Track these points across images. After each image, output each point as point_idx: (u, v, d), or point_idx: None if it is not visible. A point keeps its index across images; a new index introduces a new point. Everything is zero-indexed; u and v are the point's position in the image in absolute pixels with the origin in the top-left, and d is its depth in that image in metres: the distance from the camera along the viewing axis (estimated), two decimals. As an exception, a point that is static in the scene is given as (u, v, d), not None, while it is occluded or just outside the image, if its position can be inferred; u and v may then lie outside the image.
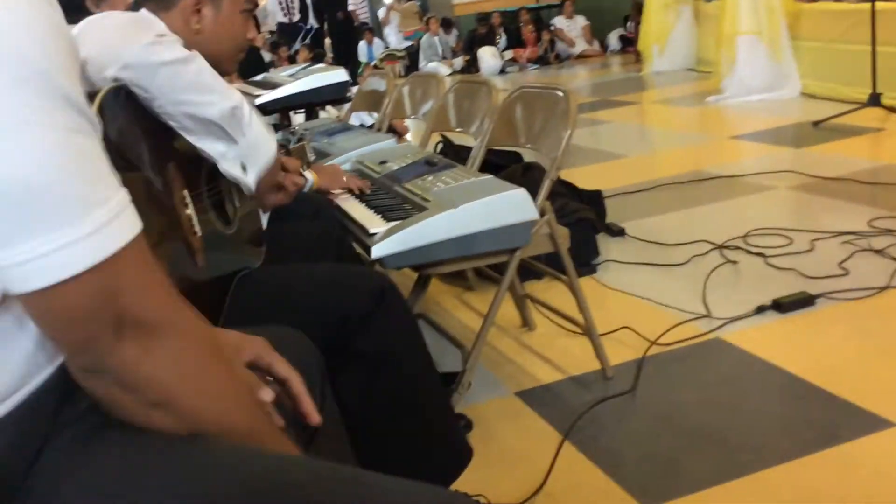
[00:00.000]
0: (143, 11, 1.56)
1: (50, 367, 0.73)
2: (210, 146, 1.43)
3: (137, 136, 1.30)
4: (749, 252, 2.95)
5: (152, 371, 0.71)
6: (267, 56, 10.51)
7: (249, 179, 1.49)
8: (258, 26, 11.50)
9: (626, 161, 4.94)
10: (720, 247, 3.03)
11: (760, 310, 2.45)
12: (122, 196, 0.70)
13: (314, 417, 0.93)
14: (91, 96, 1.18)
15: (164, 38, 1.37)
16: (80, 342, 0.69)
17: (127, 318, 0.69)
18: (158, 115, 1.36)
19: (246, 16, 1.66)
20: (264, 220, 1.73)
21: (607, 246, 3.20)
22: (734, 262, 2.88)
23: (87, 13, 1.65)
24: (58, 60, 0.67)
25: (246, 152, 1.46)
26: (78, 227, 0.65)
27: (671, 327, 2.41)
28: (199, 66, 1.39)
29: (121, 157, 1.22)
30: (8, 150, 0.62)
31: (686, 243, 3.11)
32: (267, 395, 0.89)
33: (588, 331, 2.16)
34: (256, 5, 1.66)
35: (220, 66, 1.52)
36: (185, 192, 1.37)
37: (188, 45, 1.42)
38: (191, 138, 1.41)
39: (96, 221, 0.66)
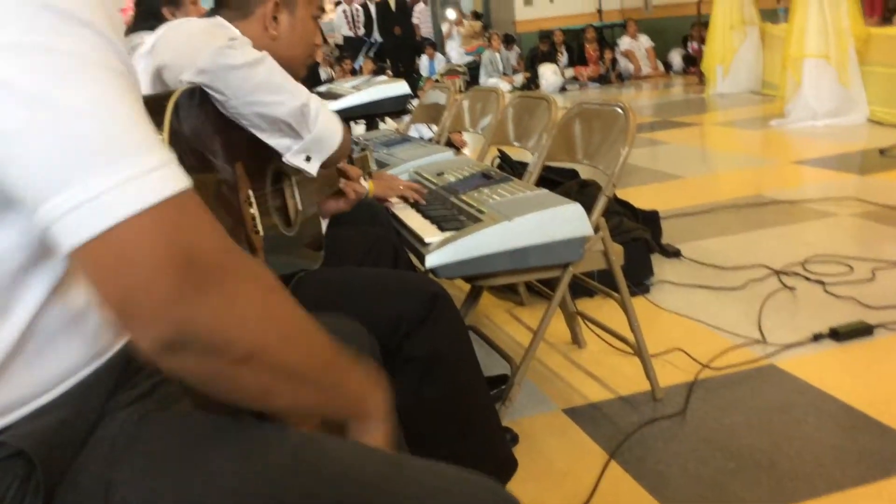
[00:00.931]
0: (218, 18, 1.61)
1: (109, 352, 0.76)
2: (277, 141, 1.48)
3: (208, 135, 1.35)
4: (808, 279, 2.89)
5: (239, 319, 0.66)
6: (324, 74, 10.62)
7: (312, 168, 1.53)
8: (324, 39, 11.63)
9: (684, 182, 4.89)
10: (778, 272, 2.98)
11: (817, 338, 2.40)
12: (162, 154, 0.64)
13: None
14: (166, 96, 1.23)
15: (235, 41, 1.42)
16: (154, 302, 0.61)
17: (199, 261, 0.62)
18: (231, 115, 1.41)
19: (316, 21, 1.70)
20: (324, 224, 1.77)
21: (662, 267, 3.18)
22: (791, 289, 2.83)
23: (164, 20, 1.72)
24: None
25: (311, 145, 1.51)
26: (138, 163, 0.61)
27: (724, 351, 2.38)
28: (270, 67, 1.43)
29: (192, 154, 1.27)
30: (59, 90, 0.60)
31: (743, 267, 3.07)
32: None
33: (639, 351, 2.15)
34: (324, 11, 1.70)
35: (293, 70, 1.56)
36: (250, 192, 1.41)
37: (263, 50, 1.46)
38: (260, 135, 1.46)
39: (157, 159, 0.62)
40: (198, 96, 1.35)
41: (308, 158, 1.51)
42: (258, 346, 0.68)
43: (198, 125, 1.32)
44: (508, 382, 2.03)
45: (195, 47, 1.39)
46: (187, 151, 1.24)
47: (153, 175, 0.61)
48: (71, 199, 0.59)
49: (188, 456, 0.74)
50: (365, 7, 12.92)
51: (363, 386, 0.83)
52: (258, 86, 1.39)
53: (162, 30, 1.49)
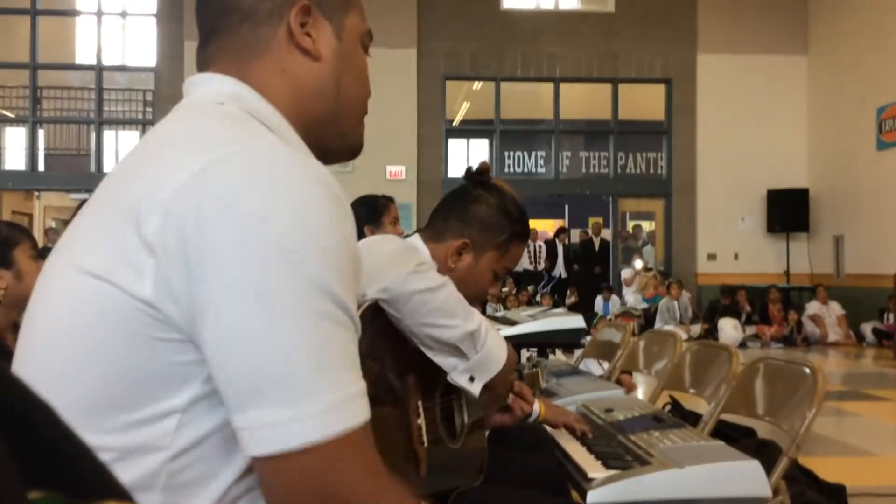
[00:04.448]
0: (415, 237, 1.73)
1: None
2: (444, 360, 1.51)
3: (386, 347, 1.41)
4: None
5: None
6: (490, 308, 10.72)
7: (475, 389, 1.54)
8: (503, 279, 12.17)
9: (876, 460, 4.46)
10: None
11: None
12: (354, 388, 0.74)
13: None
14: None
15: (422, 265, 1.50)
16: None
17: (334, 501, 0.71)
18: (403, 331, 1.47)
19: (494, 276, 1.74)
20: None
21: (847, 549, 2.85)
22: None
23: (363, 237, 1.86)
24: (325, 253, 0.73)
25: (476, 366, 1.53)
26: (300, 408, 0.69)
27: None
28: (448, 293, 1.49)
29: (368, 364, 1.33)
30: (252, 326, 0.70)
31: (945, 566, 2.69)
32: None
33: None
34: (509, 272, 1.77)
35: None
36: (420, 403, 1.44)
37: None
38: (428, 352, 1.50)
39: (320, 405, 0.70)
40: (381, 312, 1.43)
41: (472, 379, 1.53)
42: None
43: (376, 338, 1.38)
44: None
45: (384, 266, 1.47)
46: (364, 364, 1.30)
47: (313, 419, 0.70)
48: (247, 420, 0.70)
49: None
50: (548, 244, 13.48)
51: None
52: (434, 309, 1.45)
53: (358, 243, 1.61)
